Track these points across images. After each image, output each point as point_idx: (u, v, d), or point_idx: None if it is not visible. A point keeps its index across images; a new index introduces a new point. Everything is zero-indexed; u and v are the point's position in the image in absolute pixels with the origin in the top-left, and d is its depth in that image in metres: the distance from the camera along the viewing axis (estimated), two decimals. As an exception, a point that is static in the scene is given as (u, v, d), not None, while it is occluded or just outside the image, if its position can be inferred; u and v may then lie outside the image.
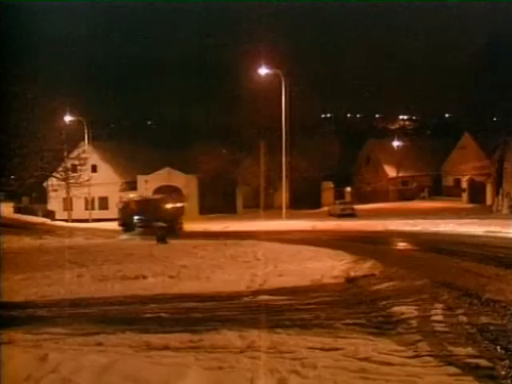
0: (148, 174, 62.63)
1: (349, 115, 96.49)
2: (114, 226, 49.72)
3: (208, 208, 60.46)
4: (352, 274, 15.67)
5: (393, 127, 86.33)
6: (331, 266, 17.32)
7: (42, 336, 9.62)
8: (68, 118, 52.16)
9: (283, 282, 14.86)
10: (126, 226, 39.23)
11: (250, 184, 59.24)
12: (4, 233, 40.07)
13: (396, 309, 10.59)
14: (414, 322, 9.51)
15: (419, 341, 8.30)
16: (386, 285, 13.68)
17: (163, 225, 30.95)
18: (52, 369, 7.54)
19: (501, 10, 48.53)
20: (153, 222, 36.50)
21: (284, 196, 49.55)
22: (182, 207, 43.09)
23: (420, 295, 11.85)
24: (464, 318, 9.60)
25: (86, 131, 56.72)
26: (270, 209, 54.36)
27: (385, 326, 9.36)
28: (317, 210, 56.32)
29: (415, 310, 10.42)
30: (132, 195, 41.37)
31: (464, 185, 57.31)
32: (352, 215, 48.26)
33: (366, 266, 17.07)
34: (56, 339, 9.37)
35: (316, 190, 62.27)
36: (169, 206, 40.72)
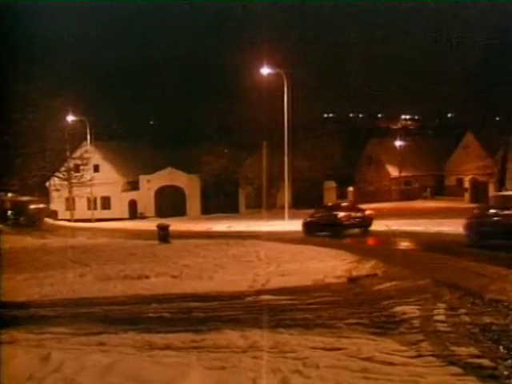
0: (150, 173, 62.67)
1: (351, 115, 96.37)
2: (117, 225, 49.86)
3: (210, 208, 60.53)
4: (354, 273, 15.66)
5: (395, 127, 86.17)
6: (333, 266, 17.33)
7: (45, 335, 9.65)
8: (70, 118, 52.22)
9: (285, 281, 14.87)
10: (1, 218, 44.60)
11: (253, 184, 59.25)
12: (6, 233, 40.15)
13: (398, 308, 10.59)
14: (416, 322, 9.50)
15: (421, 340, 8.30)
16: (388, 284, 13.68)
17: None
18: (55, 368, 7.56)
19: (504, 9, 48.34)
20: (20, 217, 46.48)
21: (286, 196, 49.53)
22: (45, 208, 53.68)
23: (422, 295, 11.83)
24: (466, 318, 9.60)
25: (88, 131, 56.75)
26: (273, 208, 54.34)
27: (387, 326, 9.36)
28: (319, 210, 56.25)
29: (417, 309, 10.42)
30: (10, 195, 47.78)
31: (466, 184, 57.24)
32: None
33: (368, 266, 17.07)
34: (59, 339, 9.40)
35: (318, 189, 62.24)
36: (33, 206, 49.56)
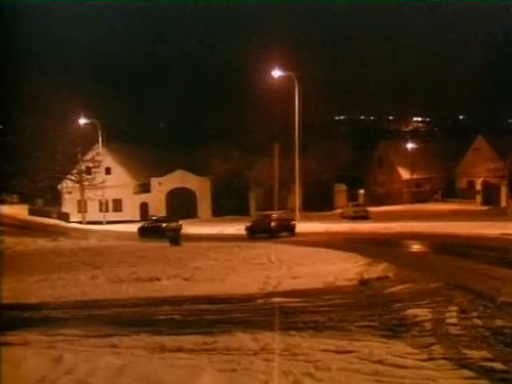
0: (161, 176, 62.80)
1: (362, 117, 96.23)
2: (128, 227, 49.96)
3: (221, 210, 60.58)
4: (366, 276, 15.61)
5: (406, 129, 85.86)
6: (345, 269, 17.30)
7: (57, 337, 9.69)
8: (82, 121, 52.46)
9: (297, 284, 14.87)
10: None
11: (263, 186, 59.24)
12: (18, 234, 40.40)
13: (410, 311, 10.55)
14: (428, 325, 9.46)
15: (433, 343, 8.26)
16: (399, 287, 13.63)
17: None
18: (67, 370, 7.59)
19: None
20: None
21: (297, 198, 49.49)
22: None
23: (434, 298, 11.78)
24: (478, 321, 9.53)
25: (99, 134, 56.97)
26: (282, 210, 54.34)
27: (399, 329, 9.32)
28: (330, 213, 56.13)
29: (429, 312, 10.37)
30: None
31: (478, 187, 56.94)
32: (365, 217, 48.06)
33: (379, 269, 17.01)
34: (71, 341, 9.44)
35: (329, 192, 62.15)
36: None
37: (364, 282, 14.72)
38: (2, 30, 25.67)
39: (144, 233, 42.28)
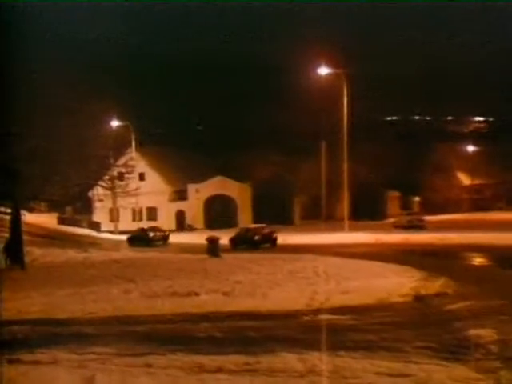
0: (199, 182, 63.11)
1: (416, 118, 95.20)
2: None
3: (263, 219, 60.30)
4: (422, 292, 15.45)
5: (466, 130, 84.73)
6: (399, 283, 17.13)
7: (88, 356, 9.78)
8: (114, 123, 53.00)
9: (346, 300, 14.77)
10: None
11: (308, 193, 59.03)
12: (47, 245, 41.12)
13: (472, 331, 10.36)
14: (493, 347, 9.27)
15: (500, 368, 8.08)
16: (460, 304, 13.42)
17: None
18: (99, 391, 7.65)
19: None
20: None
21: (346, 205, 49.15)
22: None
23: (499, 317, 11.56)
24: (550, 343, 9.31)
25: (133, 137, 57.51)
26: (330, 219, 54.09)
27: (460, 351, 9.15)
28: (381, 222, 55.69)
29: (494, 333, 10.16)
30: None
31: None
32: (420, 227, 47.54)
33: (437, 284, 16.80)
34: (103, 359, 9.51)
35: (380, 199, 61.64)
36: None
37: (420, 299, 14.60)
38: (26, 31, 26.21)
39: (133, 242, 47.44)
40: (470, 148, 66.46)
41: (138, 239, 47.56)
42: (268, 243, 40.12)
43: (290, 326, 11.92)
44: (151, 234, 48.64)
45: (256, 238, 39.84)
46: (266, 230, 42.12)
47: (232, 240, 40.10)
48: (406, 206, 60.73)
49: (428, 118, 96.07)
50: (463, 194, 65.27)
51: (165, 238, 49.02)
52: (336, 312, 13.03)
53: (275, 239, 40.79)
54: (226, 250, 33.57)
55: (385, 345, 9.75)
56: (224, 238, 38.16)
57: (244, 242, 39.73)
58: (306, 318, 12.74)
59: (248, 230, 42.39)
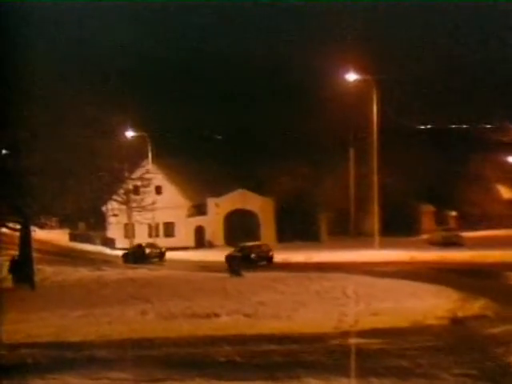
0: (219, 196, 63.18)
1: (452, 126, 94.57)
2: (181, 255, 50.51)
3: (287, 235, 60.35)
4: (460, 314, 15.35)
5: (505, 139, 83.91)
6: (434, 305, 17.03)
7: (102, 381, 9.84)
8: (130, 134, 53.25)
9: (377, 322, 14.70)
10: None
11: (335, 206, 58.80)
12: (59, 263, 41.44)
13: (515, 358, 10.25)
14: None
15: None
16: (502, 328, 13.30)
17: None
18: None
19: None
20: None
21: (376, 220, 48.89)
22: None
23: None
24: None
25: (149, 148, 57.73)
26: (359, 235, 53.88)
27: (504, 380, 9.06)
28: (414, 238, 55.32)
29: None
30: None
31: None
32: (458, 244, 47.17)
33: (476, 306, 16.67)
34: (118, 386, 9.54)
35: (413, 213, 61.21)
36: None
37: (458, 322, 14.51)
38: (37, 35, 26.55)
39: (128, 259, 49.34)
40: (511, 159, 65.85)
41: (133, 256, 49.21)
42: (264, 261, 42.40)
43: (316, 350, 11.88)
44: (147, 251, 51.27)
45: (252, 255, 42.01)
46: (263, 248, 44.58)
47: (227, 258, 40.37)
48: (441, 220, 60.21)
49: (465, 126, 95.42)
50: (504, 209, 64.59)
51: (161, 255, 51.40)
52: (366, 335, 12.98)
53: (271, 257, 43.25)
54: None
55: (419, 371, 9.69)
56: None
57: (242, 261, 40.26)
58: (334, 341, 12.69)
59: (243, 247, 43.49)
